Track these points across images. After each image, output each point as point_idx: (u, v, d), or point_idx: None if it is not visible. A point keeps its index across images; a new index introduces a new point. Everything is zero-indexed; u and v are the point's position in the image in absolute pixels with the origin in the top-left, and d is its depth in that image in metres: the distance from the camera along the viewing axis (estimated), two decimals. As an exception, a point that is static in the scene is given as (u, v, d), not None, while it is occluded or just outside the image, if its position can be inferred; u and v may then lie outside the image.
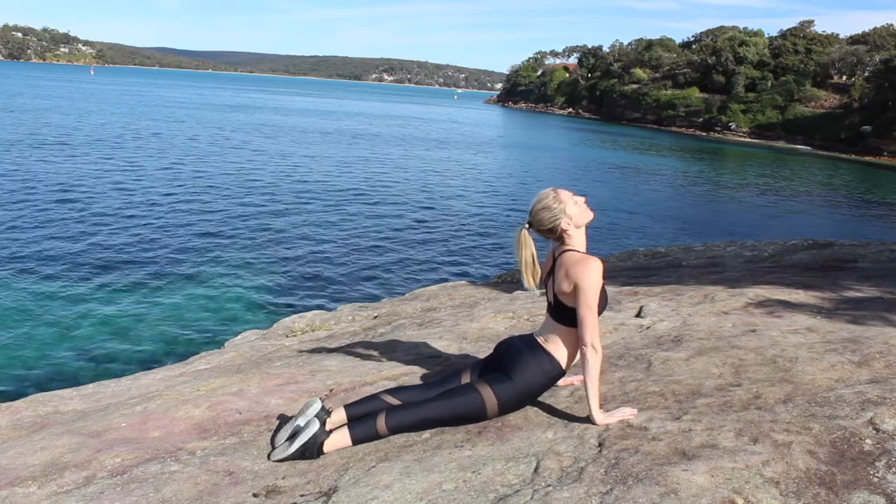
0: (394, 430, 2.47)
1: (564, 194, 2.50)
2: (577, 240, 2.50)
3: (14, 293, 10.40)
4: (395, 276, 13.10)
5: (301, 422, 2.44)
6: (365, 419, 2.48)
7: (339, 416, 2.52)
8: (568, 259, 2.46)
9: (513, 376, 2.48)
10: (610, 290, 5.38)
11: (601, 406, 2.51)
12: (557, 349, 2.53)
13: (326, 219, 17.27)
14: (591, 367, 2.38)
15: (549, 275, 2.54)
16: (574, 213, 2.48)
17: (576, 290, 2.40)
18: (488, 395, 2.46)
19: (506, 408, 2.51)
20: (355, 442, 2.45)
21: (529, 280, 2.51)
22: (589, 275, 2.38)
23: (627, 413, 2.42)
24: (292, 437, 2.43)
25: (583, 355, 2.40)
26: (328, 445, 2.42)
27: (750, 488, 1.83)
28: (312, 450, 2.39)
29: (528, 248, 2.50)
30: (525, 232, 2.52)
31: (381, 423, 2.45)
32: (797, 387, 2.61)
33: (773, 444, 2.08)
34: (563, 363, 2.53)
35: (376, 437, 2.46)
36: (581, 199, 2.51)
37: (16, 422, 3.05)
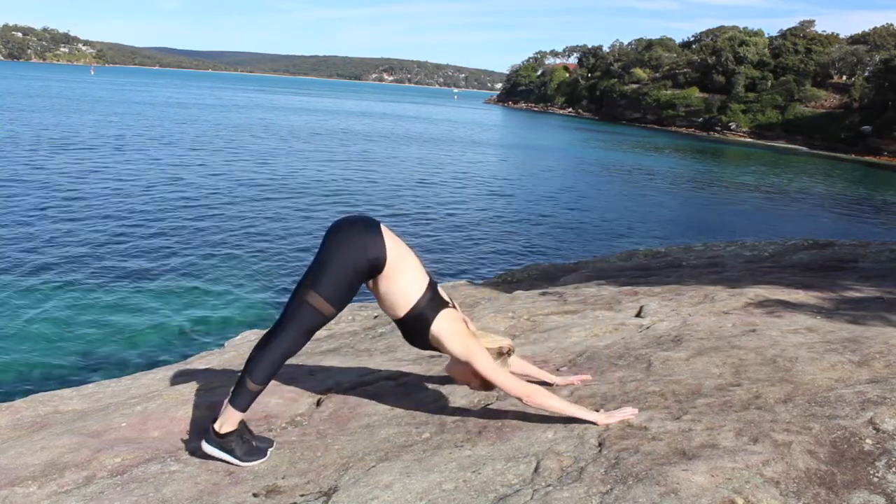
0: (262, 380, 2.35)
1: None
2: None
3: (13, 293, 10.40)
4: (395, 275, 13.08)
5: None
6: (236, 387, 2.39)
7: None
8: (461, 331, 2.43)
9: (328, 261, 2.30)
10: (610, 290, 5.39)
11: (601, 407, 2.51)
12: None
13: (326, 218, 17.27)
14: (546, 404, 2.37)
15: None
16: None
17: (464, 361, 2.41)
18: (314, 300, 2.29)
19: (338, 302, 2.32)
20: (239, 407, 2.36)
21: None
22: (476, 349, 2.39)
23: (628, 413, 2.42)
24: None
25: (531, 406, 2.40)
26: (221, 425, 2.36)
27: (750, 488, 1.83)
28: (211, 438, 2.36)
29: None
30: (503, 346, 2.53)
31: (247, 380, 2.34)
32: (797, 387, 2.61)
33: (773, 444, 2.08)
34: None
35: (252, 393, 2.36)
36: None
37: (16, 422, 3.05)
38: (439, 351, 2.48)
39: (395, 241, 2.39)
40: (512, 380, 2.40)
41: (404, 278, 2.37)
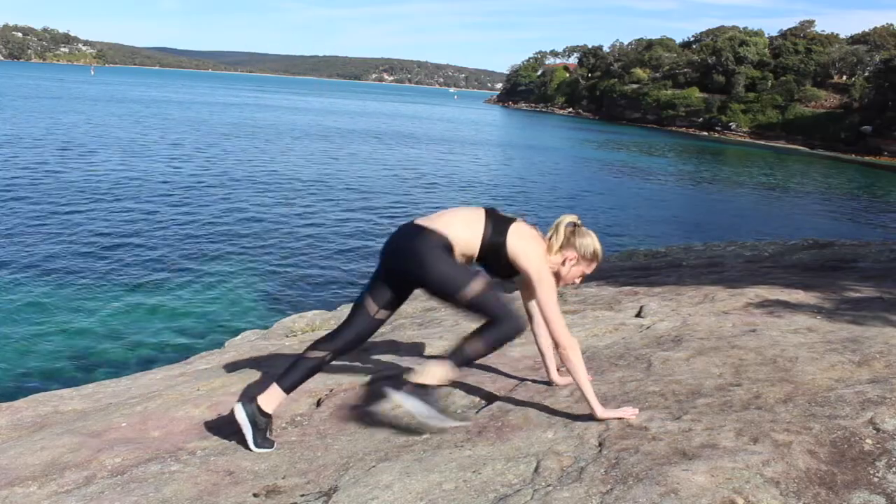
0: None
1: (590, 267, 2.58)
2: (554, 264, 2.51)
3: (13, 294, 10.40)
4: (395, 276, 13.06)
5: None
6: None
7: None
8: (537, 252, 2.46)
9: (425, 273, 2.35)
10: (610, 290, 5.39)
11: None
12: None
13: (327, 218, 17.27)
14: (574, 364, 2.38)
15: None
16: (575, 271, 2.55)
17: (530, 283, 2.44)
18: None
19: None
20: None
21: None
22: (548, 278, 2.42)
23: (629, 412, 2.42)
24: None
25: (562, 357, 2.42)
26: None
27: (750, 488, 1.83)
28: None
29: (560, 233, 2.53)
30: (567, 224, 2.54)
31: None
32: (797, 387, 2.61)
33: (774, 444, 2.08)
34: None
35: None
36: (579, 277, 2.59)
37: (16, 422, 3.05)
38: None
39: (431, 221, 2.44)
40: (563, 324, 2.41)
41: (456, 227, 2.41)
